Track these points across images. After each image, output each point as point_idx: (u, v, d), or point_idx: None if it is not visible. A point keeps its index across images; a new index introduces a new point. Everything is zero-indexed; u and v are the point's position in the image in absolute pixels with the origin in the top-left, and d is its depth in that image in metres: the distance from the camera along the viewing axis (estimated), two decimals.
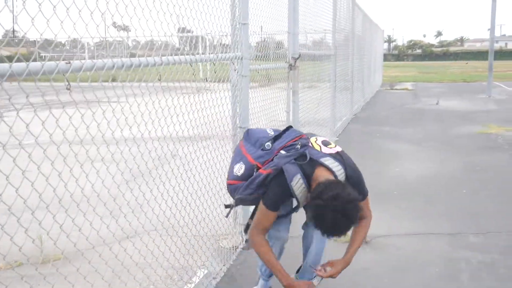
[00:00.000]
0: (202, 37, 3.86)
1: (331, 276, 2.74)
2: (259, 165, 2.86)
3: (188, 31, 3.58)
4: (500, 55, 69.63)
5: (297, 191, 2.66)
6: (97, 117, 2.37)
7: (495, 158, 7.36)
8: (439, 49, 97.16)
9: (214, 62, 3.62)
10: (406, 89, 21.59)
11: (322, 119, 8.63)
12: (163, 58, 2.76)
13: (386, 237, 4.30)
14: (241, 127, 4.00)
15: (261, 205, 2.78)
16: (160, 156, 3.74)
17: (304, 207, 2.79)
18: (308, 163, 2.66)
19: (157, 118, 3.11)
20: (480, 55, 76.90)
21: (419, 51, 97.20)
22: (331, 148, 2.77)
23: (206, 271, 3.57)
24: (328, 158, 2.69)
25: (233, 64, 3.86)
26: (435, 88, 21.73)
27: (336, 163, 2.68)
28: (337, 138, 9.06)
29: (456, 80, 27.47)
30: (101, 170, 2.70)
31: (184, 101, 3.58)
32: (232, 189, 2.99)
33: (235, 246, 4.04)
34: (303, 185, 2.64)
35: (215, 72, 3.94)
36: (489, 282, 3.47)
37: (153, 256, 3.51)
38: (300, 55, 5.78)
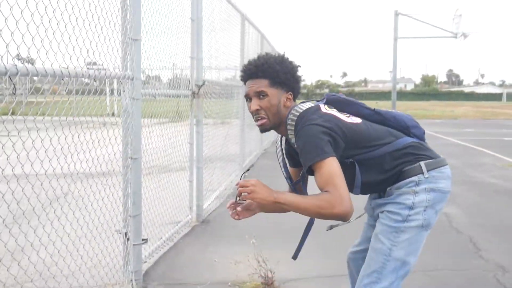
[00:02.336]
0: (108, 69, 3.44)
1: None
2: None
3: (95, 63, 3.25)
4: (400, 95, 73.88)
5: None
6: None
7: None
8: (345, 89, 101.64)
9: (97, 80, 3.09)
10: None
11: (230, 155, 8.24)
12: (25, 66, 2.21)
13: (296, 280, 3.88)
14: (132, 158, 3.47)
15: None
16: (52, 199, 3.20)
17: None
18: None
19: (55, 155, 2.74)
20: (382, 95, 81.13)
21: (326, 90, 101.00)
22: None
23: None
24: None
25: (122, 85, 3.35)
26: None
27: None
28: (247, 174, 8.66)
29: None
30: None
31: (85, 137, 3.20)
32: None
33: None
34: None
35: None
36: None
37: None
38: (204, 82, 5.36)
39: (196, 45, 5.22)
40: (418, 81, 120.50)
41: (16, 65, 1.93)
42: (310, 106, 2.23)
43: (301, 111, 2.18)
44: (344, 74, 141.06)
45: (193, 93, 5.22)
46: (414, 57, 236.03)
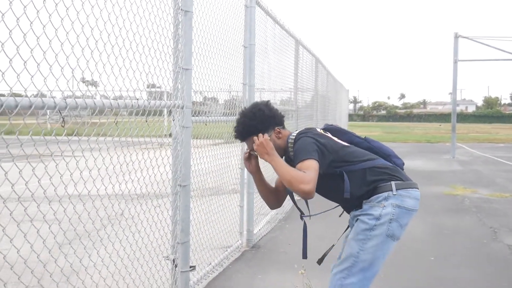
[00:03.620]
0: (167, 92, 3.57)
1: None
2: None
3: (157, 87, 3.48)
4: (461, 117, 71.76)
5: None
6: (38, 172, 2.16)
7: (463, 221, 6.99)
8: (403, 110, 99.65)
9: (149, 110, 3.15)
10: None
11: None
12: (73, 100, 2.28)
13: None
14: (181, 185, 3.50)
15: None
16: (103, 217, 3.32)
17: None
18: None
19: (107, 175, 2.84)
20: (442, 117, 78.99)
21: (383, 112, 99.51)
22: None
23: None
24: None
25: (172, 113, 3.41)
26: (399, 148, 21.67)
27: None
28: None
29: (420, 140, 27.68)
30: (30, 231, 2.42)
31: (143, 157, 3.29)
32: None
33: None
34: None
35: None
36: None
37: None
38: None
39: (248, 71, 5.26)
40: (480, 103, 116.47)
41: (65, 100, 2.01)
42: (306, 128, 2.75)
43: (297, 132, 2.69)
44: (402, 96, 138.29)
45: None
46: (475, 79, 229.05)
